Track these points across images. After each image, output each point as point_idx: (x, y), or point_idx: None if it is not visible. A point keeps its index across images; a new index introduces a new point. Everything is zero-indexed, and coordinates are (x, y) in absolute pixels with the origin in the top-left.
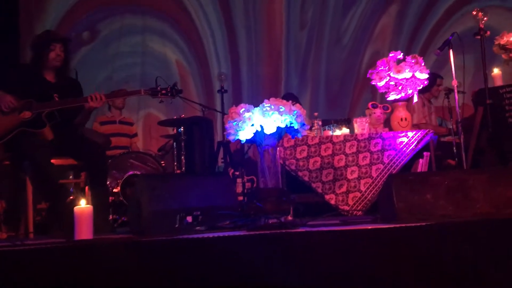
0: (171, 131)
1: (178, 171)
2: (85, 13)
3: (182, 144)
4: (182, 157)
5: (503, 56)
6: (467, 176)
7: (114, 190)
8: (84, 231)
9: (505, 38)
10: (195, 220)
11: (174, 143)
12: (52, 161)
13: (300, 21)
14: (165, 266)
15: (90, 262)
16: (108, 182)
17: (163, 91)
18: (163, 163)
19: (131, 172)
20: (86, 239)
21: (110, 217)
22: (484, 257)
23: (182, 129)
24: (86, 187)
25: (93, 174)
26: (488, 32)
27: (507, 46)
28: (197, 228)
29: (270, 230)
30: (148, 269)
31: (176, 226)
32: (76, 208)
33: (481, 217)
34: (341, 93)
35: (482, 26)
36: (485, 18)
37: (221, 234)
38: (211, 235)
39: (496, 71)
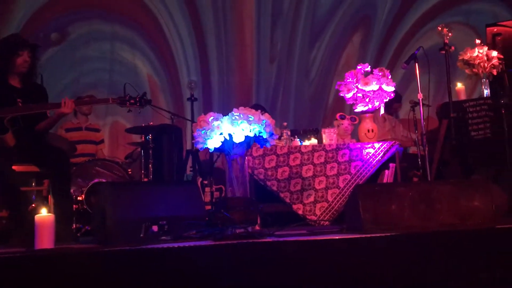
0: (139, 138)
1: (145, 180)
2: (53, 15)
3: (150, 152)
4: (150, 165)
5: (467, 71)
6: (431, 188)
7: (79, 198)
8: (45, 240)
9: (468, 54)
10: (161, 229)
11: (142, 151)
12: (13, 167)
13: (271, 33)
14: (129, 276)
15: (51, 273)
16: (72, 190)
17: (132, 101)
18: (130, 171)
19: (96, 180)
20: (47, 249)
21: (74, 226)
22: (448, 267)
23: (150, 137)
24: (49, 195)
25: (56, 182)
26: (453, 48)
27: (470, 62)
28: (163, 237)
29: (237, 240)
30: (112, 280)
31: (141, 235)
32: (37, 217)
33: (445, 228)
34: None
35: (447, 42)
36: (449, 34)
37: (187, 244)
38: (176, 245)
39: (459, 85)
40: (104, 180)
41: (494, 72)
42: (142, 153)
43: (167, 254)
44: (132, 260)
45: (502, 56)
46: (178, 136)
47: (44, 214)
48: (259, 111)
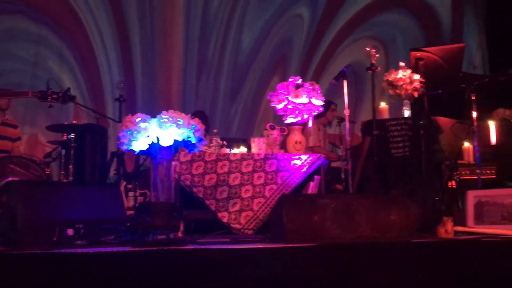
0: (60, 137)
1: (65, 181)
2: None
3: (72, 152)
4: (70, 166)
5: (390, 91)
6: (352, 201)
7: None
8: None
9: (392, 75)
10: (77, 233)
11: (63, 150)
12: None
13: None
14: (39, 282)
15: None
16: None
17: (54, 96)
18: (48, 171)
19: (10, 179)
20: None
21: None
22: (364, 278)
23: (72, 136)
24: None
25: None
26: (379, 68)
27: (394, 83)
28: (78, 242)
29: (158, 246)
30: (20, 285)
31: (54, 239)
32: None
33: (363, 240)
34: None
35: (374, 62)
36: (377, 55)
37: (103, 249)
38: (92, 250)
39: (383, 104)
40: (18, 179)
41: (416, 94)
42: (63, 153)
43: (81, 260)
44: (43, 265)
45: (423, 80)
46: (103, 137)
47: None
48: (189, 115)
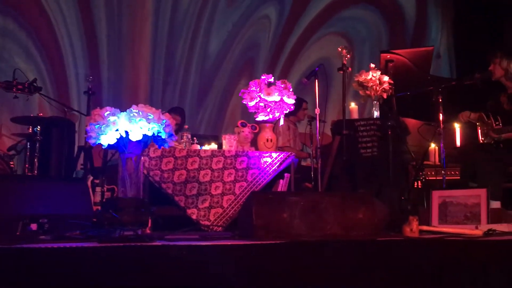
0: (26, 129)
1: (29, 174)
2: None
3: (37, 145)
4: (36, 160)
5: (360, 92)
6: (321, 199)
7: None
8: None
9: (363, 76)
10: (41, 228)
11: (28, 143)
12: None
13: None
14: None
15: None
16: None
17: (20, 86)
18: (12, 164)
19: None
20: None
21: None
22: (330, 274)
23: (38, 129)
24: None
25: None
26: (350, 69)
27: (364, 84)
28: (42, 237)
29: (124, 242)
30: None
31: (17, 233)
32: None
33: (331, 238)
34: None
35: (345, 63)
36: (348, 56)
37: (67, 245)
38: (56, 245)
39: (353, 105)
40: None
41: (385, 95)
42: (28, 146)
43: (44, 255)
44: (4, 260)
45: (392, 82)
46: (71, 131)
47: None
48: (160, 110)
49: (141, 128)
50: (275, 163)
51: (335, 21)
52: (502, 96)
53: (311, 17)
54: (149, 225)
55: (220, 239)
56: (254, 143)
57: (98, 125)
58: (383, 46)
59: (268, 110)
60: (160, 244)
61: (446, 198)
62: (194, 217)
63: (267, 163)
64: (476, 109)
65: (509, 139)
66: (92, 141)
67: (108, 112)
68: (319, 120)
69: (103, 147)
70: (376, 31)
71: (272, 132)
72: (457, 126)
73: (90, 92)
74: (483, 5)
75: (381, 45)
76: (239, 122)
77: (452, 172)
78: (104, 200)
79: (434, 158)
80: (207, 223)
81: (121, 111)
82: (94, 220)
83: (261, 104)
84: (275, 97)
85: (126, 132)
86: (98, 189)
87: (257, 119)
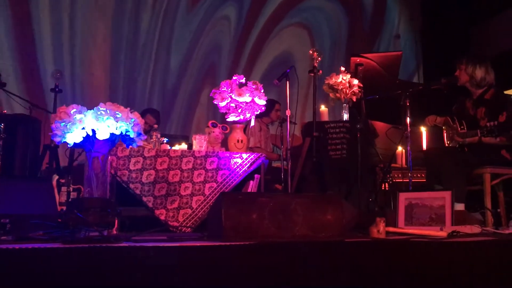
0: None
1: None
2: None
3: (1, 143)
4: None
5: (331, 95)
6: (290, 200)
7: None
8: None
9: (333, 79)
10: (3, 228)
11: None
12: None
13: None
14: None
15: None
16: None
17: None
18: None
19: None
20: None
21: None
22: (298, 275)
23: (2, 126)
24: None
25: None
26: (320, 71)
27: (334, 86)
28: (3, 238)
29: (89, 244)
30: None
31: None
32: None
33: (299, 239)
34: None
35: (316, 65)
36: (319, 58)
37: (30, 246)
38: (18, 246)
39: (323, 107)
40: None
41: (354, 98)
42: None
43: (5, 256)
44: None
45: (362, 85)
46: (36, 129)
47: None
48: (128, 108)
49: (109, 126)
50: (246, 164)
51: (296, 12)
52: (467, 101)
53: (271, 10)
54: (116, 226)
55: (188, 240)
56: (224, 143)
57: (64, 123)
58: (343, 37)
59: (239, 110)
60: (126, 245)
61: (412, 200)
62: (162, 218)
63: (238, 164)
64: (442, 113)
65: (473, 143)
66: (57, 139)
67: (74, 110)
68: (290, 122)
69: (68, 145)
70: (335, 21)
71: (243, 133)
72: (423, 130)
73: (57, 89)
74: (450, 12)
75: (340, 34)
76: (210, 122)
77: (419, 175)
78: (70, 200)
79: (401, 161)
80: (175, 224)
81: (88, 109)
82: (59, 220)
83: (232, 104)
84: (246, 98)
85: (93, 131)
86: (64, 188)
87: (228, 119)
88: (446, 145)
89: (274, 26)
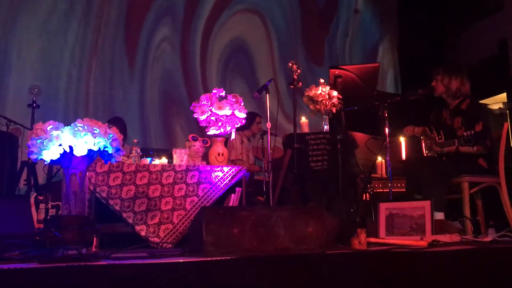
0: None
1: None
2: None
3: None
4: None
5: (311, 106)
6: (271, 213)
7: None
8: None
9: (313, 91)
10: None
11: None
12: None
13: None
14: None
15: None
16: None
17: None
18: None
19: None
20: None
21: None
22: None
23: None
24: None
25: None
26: (300, 84)
27: (314, 98)
28: None
29: (67, 262)
30: None
31: None
32: None
33: (281, 252)
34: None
35: (296, 77)
36: (298, 71)
37: (5, 266)
38: None
39: (304, 119)
40: None
41: (334, 110)
42: None
43: None
44: None
45: (341, 96)
46: (13, 145)
47: None
48: (106, 124)
49: (86, 142)
50: (227, 177)
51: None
52: (444, 111)
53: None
54: (95, 243)
55: (169, 257)
56: (205, 157)
57: (40, 140)
58: (297, 21)
59: (220, 124)
60: (105, 263)
61: (392, 210)
62: (143, 234)
63: (219, 178)
64: (420, 123)
65: (451, 152)
66: (33, 156)
67: (51, 126)
68: (271, 134)
69: (45, 163)
70: (287, 5)
71: (223, 146)
72: (402, 140)
73: (34, 105)
74: (426, 22)
75: (295, 19)
76: (190, 136)
77: (398, 185)
78: (48, 217)
79: (381, 171)
80: (156, 240)
81: (65, 125)
82: (37, 239)
83: (212, 118)
84: (226, 111)
85: (70, 147)
86: (42, 206)
87: (208, 133)
88: (425, 154)
89: (218, 16)
